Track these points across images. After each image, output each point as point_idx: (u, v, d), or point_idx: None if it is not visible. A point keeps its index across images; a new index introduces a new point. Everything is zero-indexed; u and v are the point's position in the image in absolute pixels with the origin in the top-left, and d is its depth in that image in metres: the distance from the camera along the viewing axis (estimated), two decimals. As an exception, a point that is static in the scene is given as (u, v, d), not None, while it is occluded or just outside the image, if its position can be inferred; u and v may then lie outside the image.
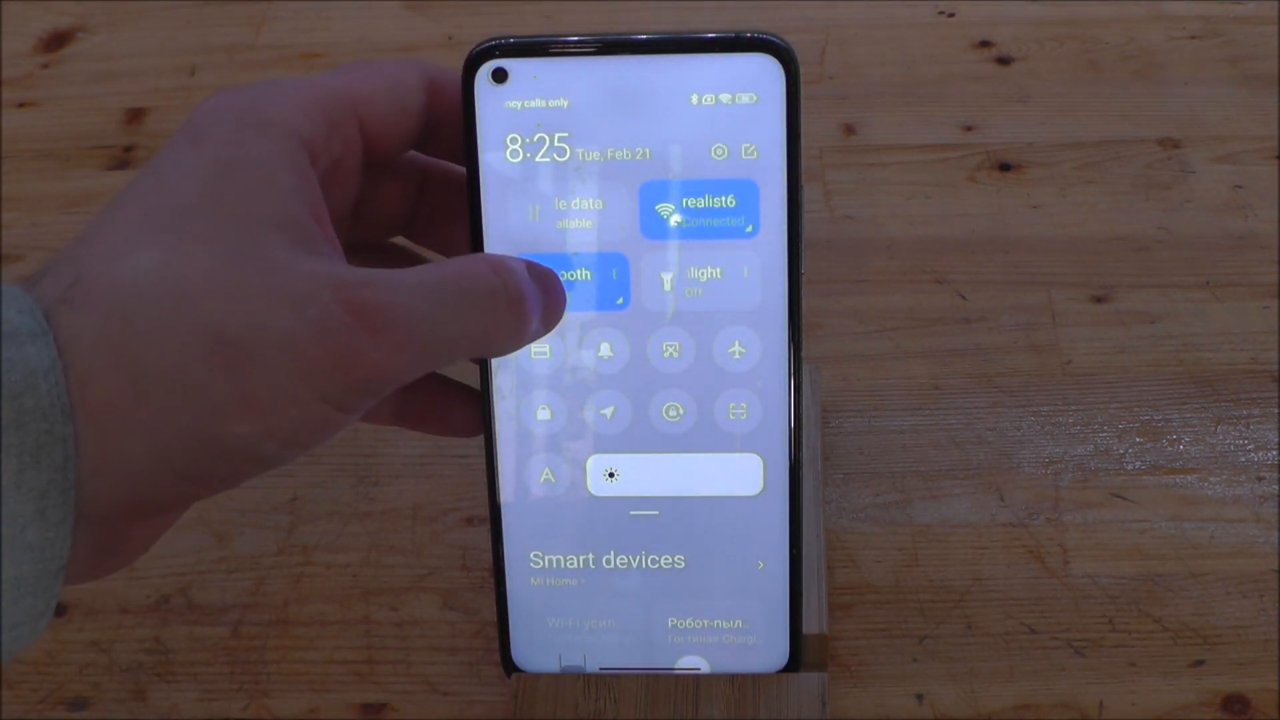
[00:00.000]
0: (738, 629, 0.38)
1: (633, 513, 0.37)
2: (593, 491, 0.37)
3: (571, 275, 0.35)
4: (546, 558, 0.38)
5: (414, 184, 0.35)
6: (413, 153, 0.34)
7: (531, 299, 0.31)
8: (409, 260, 0.36)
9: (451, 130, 0.34)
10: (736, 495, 0.37)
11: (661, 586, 0.38)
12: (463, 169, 0.35)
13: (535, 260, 0.33)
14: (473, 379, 0.36)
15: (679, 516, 0.37)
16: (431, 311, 0.29)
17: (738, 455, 0.37)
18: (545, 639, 0.39)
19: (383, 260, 0.35)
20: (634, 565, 0.38)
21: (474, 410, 0.36)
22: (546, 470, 0.37)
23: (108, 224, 0.28)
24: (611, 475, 0.37)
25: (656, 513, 0.37)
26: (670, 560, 0.38)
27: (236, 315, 0.26)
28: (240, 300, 0.27)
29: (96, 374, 0.26)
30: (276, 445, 0.27)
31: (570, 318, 0.36)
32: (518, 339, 0.31)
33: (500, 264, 0.31)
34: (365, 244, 0.35)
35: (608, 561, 0.38)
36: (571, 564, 0.38)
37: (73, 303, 0.26)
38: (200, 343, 0.26)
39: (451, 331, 0.29)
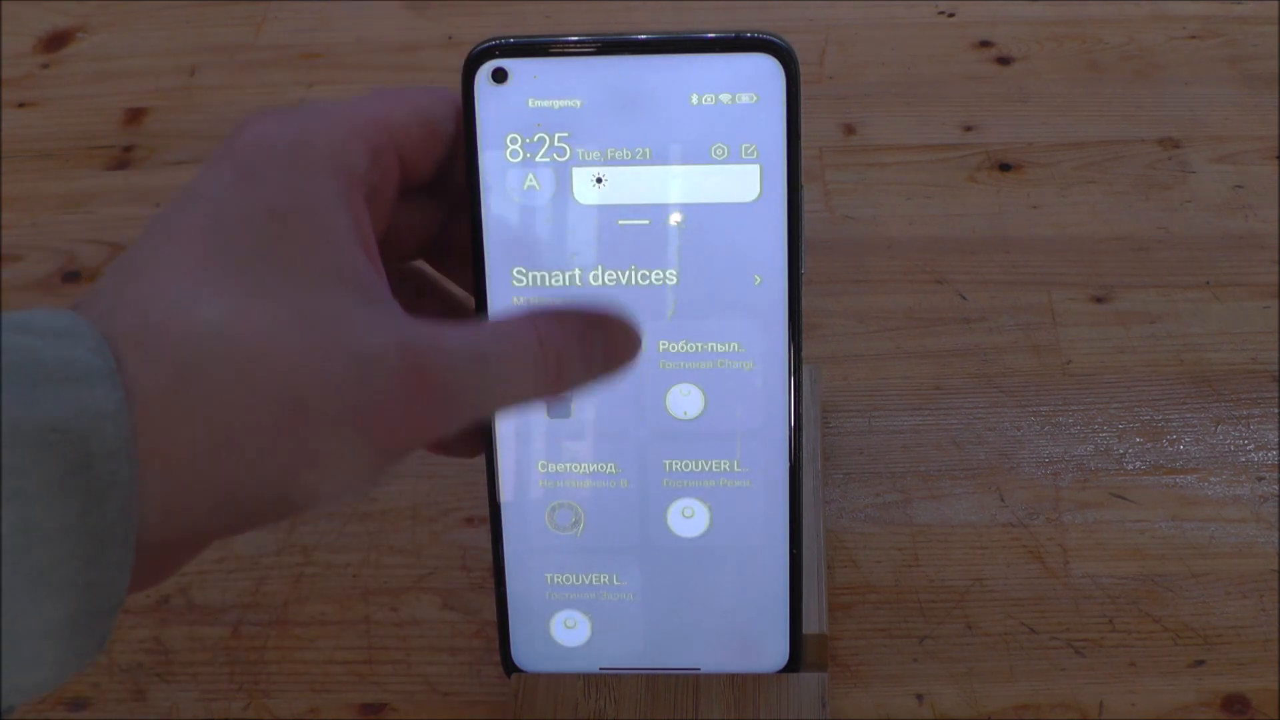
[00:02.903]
0: (736, 625, 0.38)
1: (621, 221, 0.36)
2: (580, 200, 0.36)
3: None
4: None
5: (441, 211, 0.35)
6: (441, 181, 0.35)
7: (575, 362, 0.31)
8: (426, 283, 0.36)
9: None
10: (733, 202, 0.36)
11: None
12: None
13: (598, 304, 0.32)
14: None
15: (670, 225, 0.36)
16: (479, 379, 0.29)
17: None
18: (545, 639, 0.39)
19: (402, 283, 0.36)
20: (622, 281, 0.36)
21: (476, 433, 0.36)
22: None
23: (164, 262, 0.28)
24: (599, 181, 0.36)
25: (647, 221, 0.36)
26: (661, 276, 0.36)
27: (306, 378, 0.27)
28: (310, 362, 0.27)
29: (169, 427, 0.26)
30: (333, 493, 0.28)
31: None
32: (557, 396, 0.32)
33: (546, 334, 0.31)
34: (387, 267, 0.35)
35: (594, 278, 0.36)
36: (556, 280, 0.36)
37: (145, 347, 0.26)
38: (271, 405, 0.27)
39: (491, 396, 0.30)
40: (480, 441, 0.37)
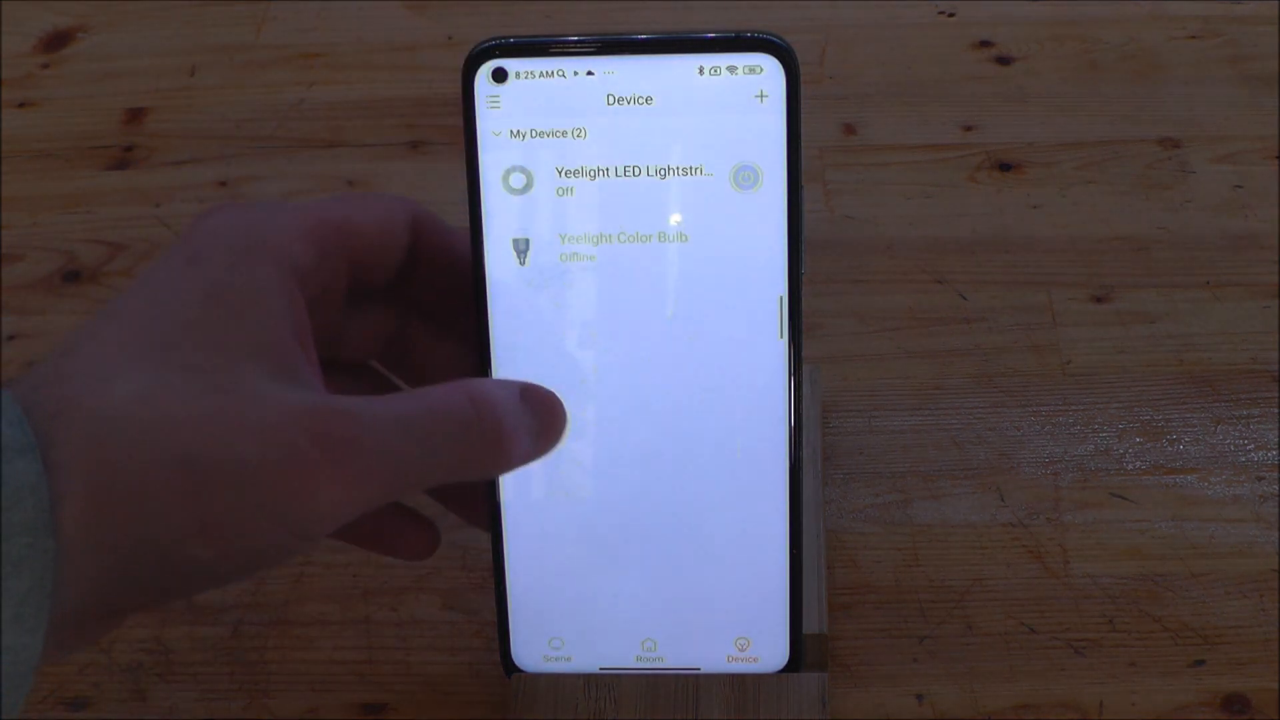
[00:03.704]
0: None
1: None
2: None
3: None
4: None
5: (396, 317, 0.36)
6: (397, 288, 0.35)
7: (513, 428, 0.31)
8: (387, 381, 0.37)
9: (430, 268, 0.35)
10: None
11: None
12: (439, 308, 0.36)
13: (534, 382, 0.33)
14: (426, 507, 0.37)
15: None
16: (400, 444, 0.29)
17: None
18: (545, 639, 0.39)
19: (360, 380, 0.36)
20: (622, 280, 0.36)
21: (425, 535, 0.36)
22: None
23: (97, 341, 0.29)
24: (598, 181, 0.35)
25: None
26: (661, 275, 0.36)
27: (204, 443, 0.27)
28: (210, 428, 0.27)
29: (69, 496, 0.26)
30: (231, 568, 0.28)
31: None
32: (499, 466, 0.32)
33: (480, 395, 0.31)
34: (345, 364, 0.36)
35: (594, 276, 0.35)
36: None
37: (58, 421, 0.27)
38: (166, 468, 0.27)
39: (421, 464, 0.30)
40: (427, 542, 0.36)
